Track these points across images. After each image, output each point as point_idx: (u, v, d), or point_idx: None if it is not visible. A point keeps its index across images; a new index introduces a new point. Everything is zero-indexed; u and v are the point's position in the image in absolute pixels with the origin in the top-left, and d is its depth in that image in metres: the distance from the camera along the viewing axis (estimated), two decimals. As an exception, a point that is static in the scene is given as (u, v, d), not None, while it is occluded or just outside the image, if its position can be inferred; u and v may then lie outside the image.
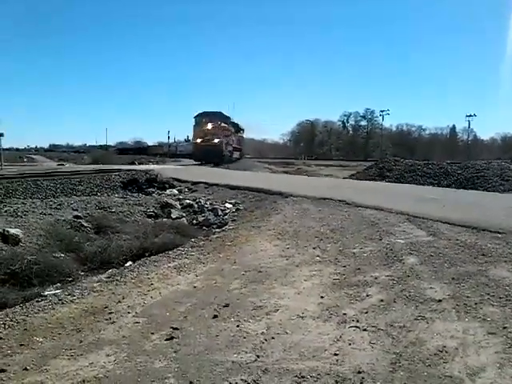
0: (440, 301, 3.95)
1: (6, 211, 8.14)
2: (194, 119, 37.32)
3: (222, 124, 36.04)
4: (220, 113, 37.12)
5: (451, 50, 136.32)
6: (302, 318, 3.76)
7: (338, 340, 3.30)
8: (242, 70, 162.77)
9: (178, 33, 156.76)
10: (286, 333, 3.48)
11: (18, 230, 7.11)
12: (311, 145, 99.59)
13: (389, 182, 19.55)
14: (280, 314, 3.87)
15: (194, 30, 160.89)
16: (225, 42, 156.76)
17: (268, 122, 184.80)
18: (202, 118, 35.91)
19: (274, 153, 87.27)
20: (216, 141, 34.27)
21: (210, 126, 34.77)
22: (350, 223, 7.49)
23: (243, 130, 51.71)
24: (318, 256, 5.62)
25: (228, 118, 38.64)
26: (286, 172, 35.33)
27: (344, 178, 23.39)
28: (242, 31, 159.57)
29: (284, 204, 9.83)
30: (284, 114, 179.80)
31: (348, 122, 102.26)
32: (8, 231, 6.90)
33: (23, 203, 9.15)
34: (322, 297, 4.23)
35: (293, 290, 4.46)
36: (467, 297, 4.02)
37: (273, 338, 3.40)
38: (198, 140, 35.55)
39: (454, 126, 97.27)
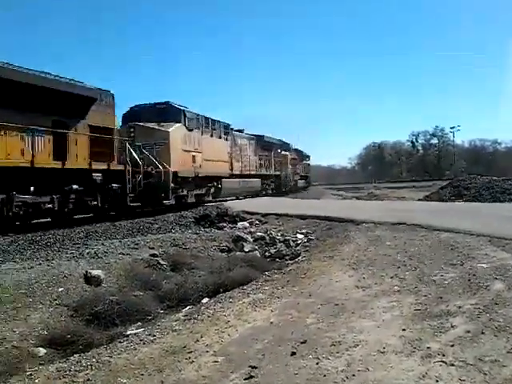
0: (535, 330, 3.67)
1: (88, 253, 8.54)
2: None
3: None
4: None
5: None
6: (384, 352, 3.61)
7: (423, 376, 3.13)
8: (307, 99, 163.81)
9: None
10: (368, 369, 3.35)
11: (99, 271, 7.43)
12: (380, 167, 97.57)
13: (466, 201, 18.70)
14: (360, 349, 3.74)
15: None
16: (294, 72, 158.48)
17: (335, 147, 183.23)
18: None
19: (343, 178, 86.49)
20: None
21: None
22: (428, 248, 7.20)
23: (309, 157, 51.03)
24: (396, 285, 5.42)
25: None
26: (356, 197, 34.85)
27: (418, 200, 22.66)
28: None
29: (356, 232, 9.63)
30: (351, 137, 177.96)
31: (417, 142, 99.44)
32: (90, 273, 7.22)
33: (103, 244, 9.56)
34: (403, 329, 4.04)
35: (372, 323, 4.32)
36: None
37: (354, 375, 3.28)
38: None
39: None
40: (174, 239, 10.69)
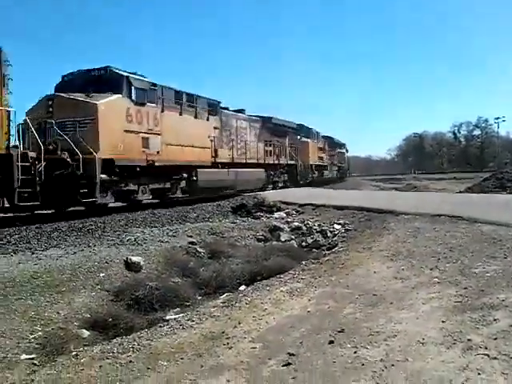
0: None
1: (128, 240, 8.74)
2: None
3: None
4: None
5: None
6: (423, 344, 3.56)
7: (464, 369, 3.08)
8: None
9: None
10: (407, 360, 3.32)
11: (139, 257, 7.60)
12: (421, 158, 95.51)
13: (510, 193, 18.12)
14: (398, 339, 3.71)
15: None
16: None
17: (373, 138, 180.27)
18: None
19: (382, 169, 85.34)
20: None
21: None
22: (470, 241, 7.02)
23: (344, 145, 49.63)
24: (435, 277, 5.32)
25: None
26: (395, 189, 34.31)
27: (459, 192, 22.11)
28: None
29: (395, 223, 9.48)
30: (389, 129, 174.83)
31: (459, 133, 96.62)
32: (131, 259, 7.40)
33: (143, 232, 9.75)
34: (442, 321, 3.98)
35: (411, 314, 4.27)
36: None
37: (393, 365, 3.26)
38: None
39: None
40: (211, 228, 10.81)
